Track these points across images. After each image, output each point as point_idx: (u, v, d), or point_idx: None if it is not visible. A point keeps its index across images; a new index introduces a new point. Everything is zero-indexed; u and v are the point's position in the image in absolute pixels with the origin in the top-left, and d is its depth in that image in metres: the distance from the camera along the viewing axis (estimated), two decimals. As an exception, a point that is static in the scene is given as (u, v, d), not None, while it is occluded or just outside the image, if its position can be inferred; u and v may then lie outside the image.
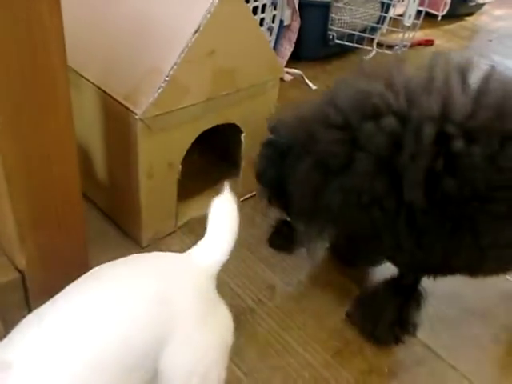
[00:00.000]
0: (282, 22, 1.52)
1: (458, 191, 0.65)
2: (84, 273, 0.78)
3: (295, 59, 1.62)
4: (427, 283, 0.81)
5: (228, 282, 0.91)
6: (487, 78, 0.69)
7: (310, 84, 1.59)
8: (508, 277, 0.96)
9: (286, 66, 1.59)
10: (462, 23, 2.33)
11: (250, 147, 1.02)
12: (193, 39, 0.81)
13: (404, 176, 0.66)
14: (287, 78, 1.59)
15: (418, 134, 0.66)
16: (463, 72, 0.70)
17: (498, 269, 0.76)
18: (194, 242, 0.97)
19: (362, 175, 0.69)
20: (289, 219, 0.93)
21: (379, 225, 0.71)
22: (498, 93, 0.68)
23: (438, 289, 0.84)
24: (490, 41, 2.19)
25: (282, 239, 0.97)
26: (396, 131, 0.67)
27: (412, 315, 0.82)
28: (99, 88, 0.86)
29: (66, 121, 0.64)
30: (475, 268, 0.73)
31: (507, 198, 0.65)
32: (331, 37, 1.64)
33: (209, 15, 0.81)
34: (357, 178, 0.69)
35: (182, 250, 0.95)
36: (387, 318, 0.82)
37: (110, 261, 0.90)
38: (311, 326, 0.86)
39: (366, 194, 0.69)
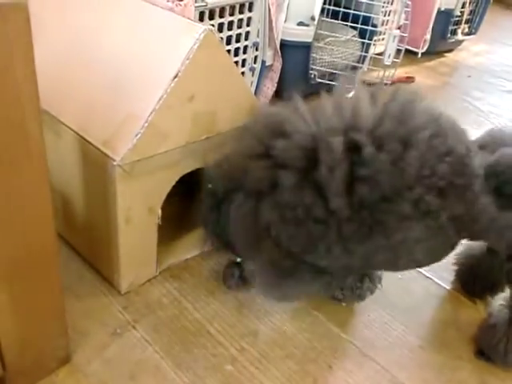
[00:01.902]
0: (264, 62, 1.54)
1: (369, 195, 0.71)
2: (60, 323, 0.77)
3: (278, 98, 1.64)
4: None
5: (209, 329, 0.89)
6: (393, 95, 0.76)
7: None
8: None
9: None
10: (442, 59, 2.38)
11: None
12: (172, 85, 0.81)
13: (326, 187, 0.72)
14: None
15: (330, 145, 0.71)
16: (373, 94, 0.77)
17: (411, 264, 0.83)
18: (176, 288, 0.97)
19: (288, 191, 0.74)
20: (238, 260, 0.96)
21: (315, 236, 0.76)
22: (400, 104, 0.75)
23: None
24: (469, 76, 2.23)
25: (236, 279, 0.96)
26: (308, 145, 0.72)
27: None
28: (77, 134, 0.85)
29: (39, 172, 0.63)
30: (392, 265, 0.81)
31: (410, 199, 0.71)
32: (313, 76, 1.66)
33: (187, 61, 0.81)
34: (285, 195, 0.74)
35: (163, 295, 0.95)
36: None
37: (86, 308, 0.89)
38: (296, 372, 0.84)
39: (298, 208, 0.74)
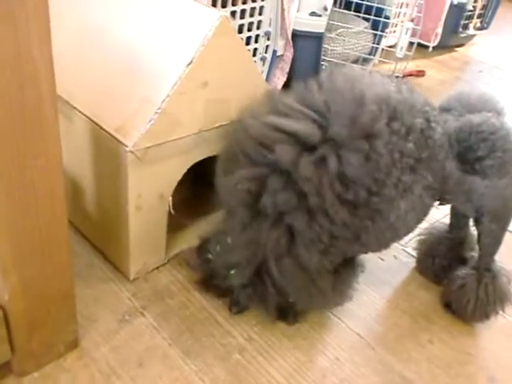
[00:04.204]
0: (275, 52, 1.53)
1: (356, 198, 0.74)
2: (69, 307, 0.77)
3: (288, 89, 1.62)
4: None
5: (217, 318, 0.89)
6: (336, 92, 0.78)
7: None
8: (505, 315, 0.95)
9: (278, 96, 1.59)
10: (453, 54, 2.36)
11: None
12: (186, 71, 0.80)
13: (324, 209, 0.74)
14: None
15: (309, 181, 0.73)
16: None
17: (407, 231, 0.87)
18: (184, 275, 0.96)
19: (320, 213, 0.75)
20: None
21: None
22: (347, 101, 0.76)
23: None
24: (481, 72, 2.22)
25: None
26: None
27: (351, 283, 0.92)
28: (90, 119, 0.85)
29: (54, 155, 0.62)
30: (397, 237, 0.86)
31: (391, 184, 0.75)
32: (324, 67, 1.65)
33: (202, 48, 0.81)
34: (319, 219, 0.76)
35: (171, 283, 0.94)
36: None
37: (95, 294, 0.89)
38: (304, 363, 0.84)
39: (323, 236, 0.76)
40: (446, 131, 0.82)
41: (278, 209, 0.75)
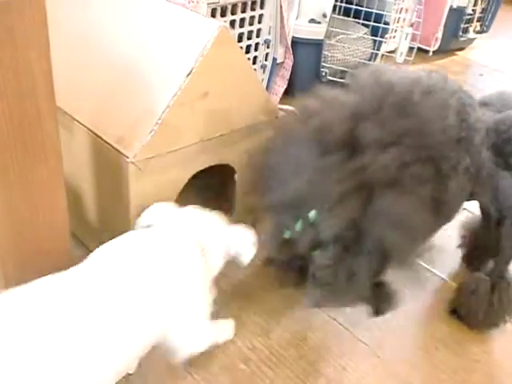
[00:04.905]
0: (275, 59, 1.53)
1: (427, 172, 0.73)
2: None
3: (289, 96, 1.63)
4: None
5: (222, 328, 0.88)
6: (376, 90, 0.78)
7: (304, 120, 1.59)
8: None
9: (279, 103, 1.59)
10: (454, 58, 2.36)
11: (243, 187, 1.00)
12: (186, 82, 0.80)
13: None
14: (280, 114, 1.59)
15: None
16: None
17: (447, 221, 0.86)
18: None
19: None
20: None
21: None
22: (395, 97, 0.76)
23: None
24: (482, 75, 2.21)
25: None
26: None
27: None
28: (91, 131, 0.85)
29: (55, 168, 0.63)
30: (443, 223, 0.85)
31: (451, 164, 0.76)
32: (324, 74, 1.65)
33: (201, 58, 0.81)
34: None
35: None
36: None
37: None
38: (309, 373, 0.83)
39: None
40: (482, 119, 0.82)
41: (380, 140, 0.72)
